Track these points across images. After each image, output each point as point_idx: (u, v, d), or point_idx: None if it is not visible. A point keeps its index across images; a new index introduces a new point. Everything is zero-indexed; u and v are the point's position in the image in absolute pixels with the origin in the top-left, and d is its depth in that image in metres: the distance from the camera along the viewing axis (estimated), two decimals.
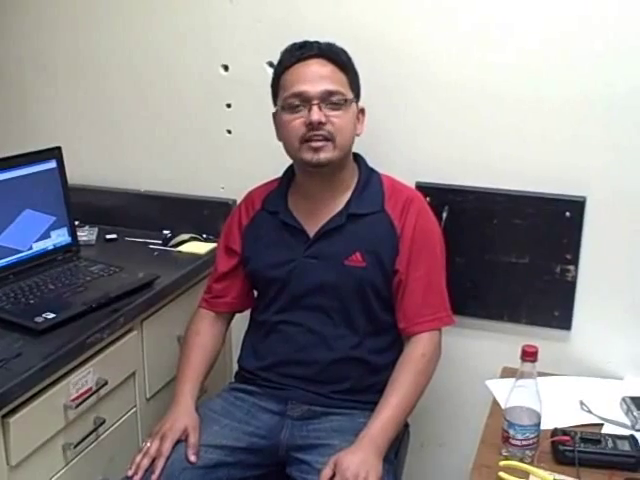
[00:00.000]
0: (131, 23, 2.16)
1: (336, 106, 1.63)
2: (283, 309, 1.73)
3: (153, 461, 1.56)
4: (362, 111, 1.73)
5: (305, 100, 1.62)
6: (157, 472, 1.54)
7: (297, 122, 1.63)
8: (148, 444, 1.60)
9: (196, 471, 1.58)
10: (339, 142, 1.63)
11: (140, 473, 1.54)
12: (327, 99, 1.62)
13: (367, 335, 1.71)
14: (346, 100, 1.64)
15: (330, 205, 1.71)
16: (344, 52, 1.69)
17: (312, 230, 1.71)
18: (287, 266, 1.71)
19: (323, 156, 1.62)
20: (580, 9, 1.75)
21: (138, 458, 1.57)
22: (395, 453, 1.72)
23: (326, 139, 1.62)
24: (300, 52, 1.65)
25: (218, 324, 1.83)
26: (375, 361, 1.71)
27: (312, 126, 1.61)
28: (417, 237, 1.69)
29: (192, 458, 1.58)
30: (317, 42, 1.67)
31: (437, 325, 1.71)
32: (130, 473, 1.55)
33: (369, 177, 1.74)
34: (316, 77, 1.63)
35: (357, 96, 1.70)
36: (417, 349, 1.67)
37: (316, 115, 1.60)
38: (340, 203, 1.71)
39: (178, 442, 1.60)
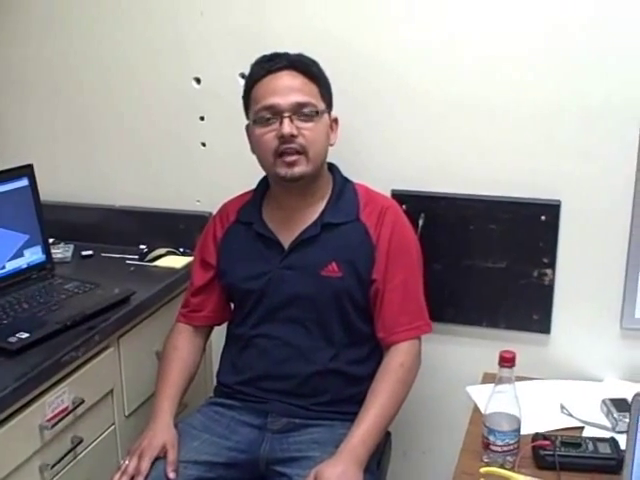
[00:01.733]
0: (103, 37, 2.14)
1: (308, 118, 1.62)
2: (260, 322, 1.72)
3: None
4: (335, 121, 1.72)
5: (276, 113, 1.61)
6: None
7: (269, 136, 1.62)
8: (126, 462, 1.58)
9: None
10: (312, 155, 1.62)
11: None
12: (298, 111, 1.61)
13: (345, 346, 1.70)
14: (317, 111, 1.63)
15: (304, 215, 1.70)
16: (314, 63, 1.68)
17: (287, 241, 1.70)
18: (263, 278, 1.70)
19: (297, 170, 1.62)
20: (554, 18, 1.76)
21: (116, 477, 1.56)
22: (377, 463, 1.72)
23: (298, 152, 1.61)
24: (269, 64, 1.64)
25: (196, 338, 1.82)
26: (354, 372, 1.70)
27: (284, 139, 1.60)
28: (393, 246, 1.68)
29: (171, 475, 1.56)
30: (286, 54, 1.66)
31: (416, 334, 1.70)
32: None
33: (343, 186, 1.74)
34: (286, 89, 1.62)
35: (329, 106, 1.70)
36: (396, 359, 1.66)
37: (287, 128, 1.59)
38: (315, 213, 1.70)
39: (157, 459, 1.58)
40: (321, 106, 1.65)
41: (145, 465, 1.56)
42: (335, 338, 1.69)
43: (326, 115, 1.67)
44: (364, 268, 1.67)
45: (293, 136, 1.60)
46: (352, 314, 1.69)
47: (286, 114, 1.60)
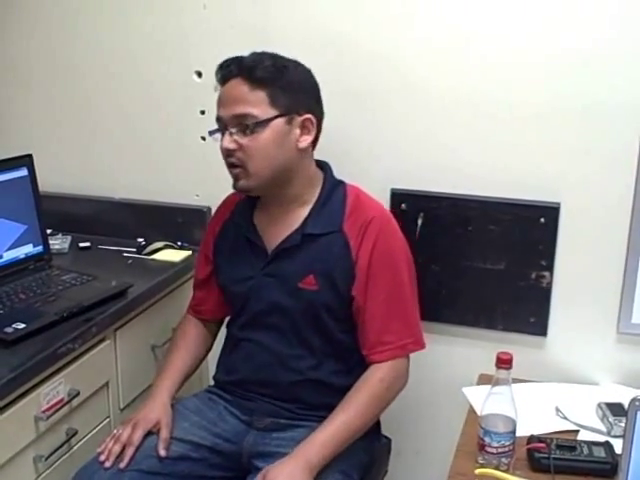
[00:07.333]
0: (105, 30, 2.14)
1: (248, 129, 1.54)
2: (246, 325, 1.72)
3: (123, 448, 1.57)
4: (308, 120, 1.59)
5: (223, 125, 1.57)
6: (126, 460, 1.56)
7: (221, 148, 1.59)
8: (120, 431, 1.60)
9: (159, 460, 1.58)
10: (252, 168, 1.56)
11: (111, 459, 1.56)
12: (239, 123, 1.54)
13: (327, 356, 1.67)
14: (258, 122, 1.53)
15: (288, 221, 1.65)
16: (266, 66, 1.55)
17: (271, 247, 1.67)
18: (247, 283, 1.68)
19: (240, 184, 1.59)
20: (555, 19, 1.76)
21: (110, 444, 1.57)
22: (363, 468, 1.69)
23: (238, 166, 1.57)
24: (222, 72, 1.59)
25: (205, 330, 1.82)
26: (338, 383, 1.65)
27: (224, 154, 1.57)
28: (375, 261, 1.61)
29: (162, 452, 1.58)
30: (239, 58, 1.58)
31: (400, 353, 1.64)
32: (102, 458, 1.56)
33: (332, 190, 1.66)
34: (230, 100, 1.56)
35: (289, 110, 1.56)
36: (376, 374, 1.61)
37: (225, 143, 1.55)
38: (298, 219, 1.65)
39: (149, 434, 1.60)
40: (267, 114, 1.53)
41: (138, 435, 1.58)
42: (314, 348, 1.66)
43: (278, 122, 1.55)
44: (343, 283, 1.61)
45: (230, 150, 1.55)
46: (332, 326, 1.64)
47: (228, 127, 1.55)
